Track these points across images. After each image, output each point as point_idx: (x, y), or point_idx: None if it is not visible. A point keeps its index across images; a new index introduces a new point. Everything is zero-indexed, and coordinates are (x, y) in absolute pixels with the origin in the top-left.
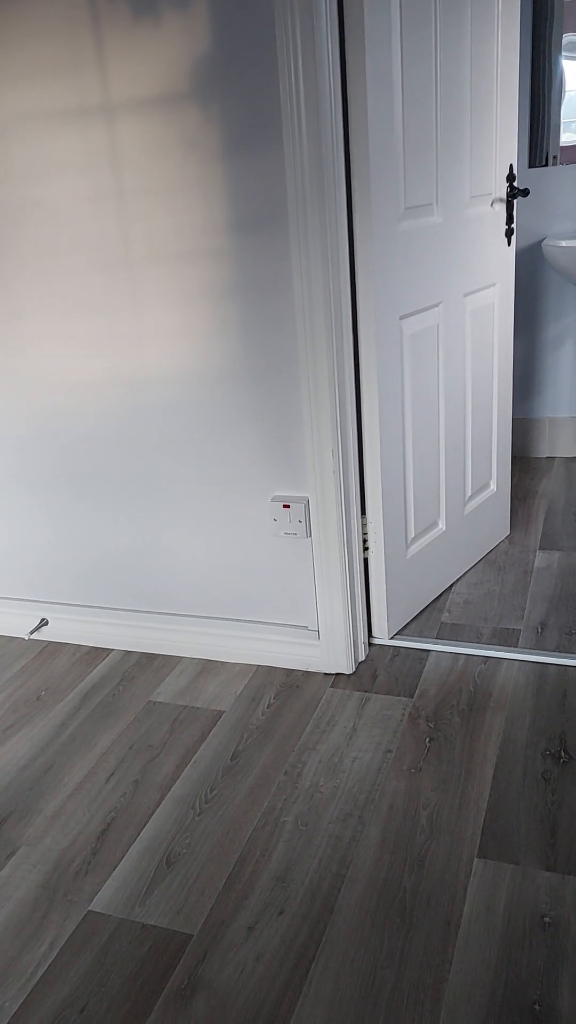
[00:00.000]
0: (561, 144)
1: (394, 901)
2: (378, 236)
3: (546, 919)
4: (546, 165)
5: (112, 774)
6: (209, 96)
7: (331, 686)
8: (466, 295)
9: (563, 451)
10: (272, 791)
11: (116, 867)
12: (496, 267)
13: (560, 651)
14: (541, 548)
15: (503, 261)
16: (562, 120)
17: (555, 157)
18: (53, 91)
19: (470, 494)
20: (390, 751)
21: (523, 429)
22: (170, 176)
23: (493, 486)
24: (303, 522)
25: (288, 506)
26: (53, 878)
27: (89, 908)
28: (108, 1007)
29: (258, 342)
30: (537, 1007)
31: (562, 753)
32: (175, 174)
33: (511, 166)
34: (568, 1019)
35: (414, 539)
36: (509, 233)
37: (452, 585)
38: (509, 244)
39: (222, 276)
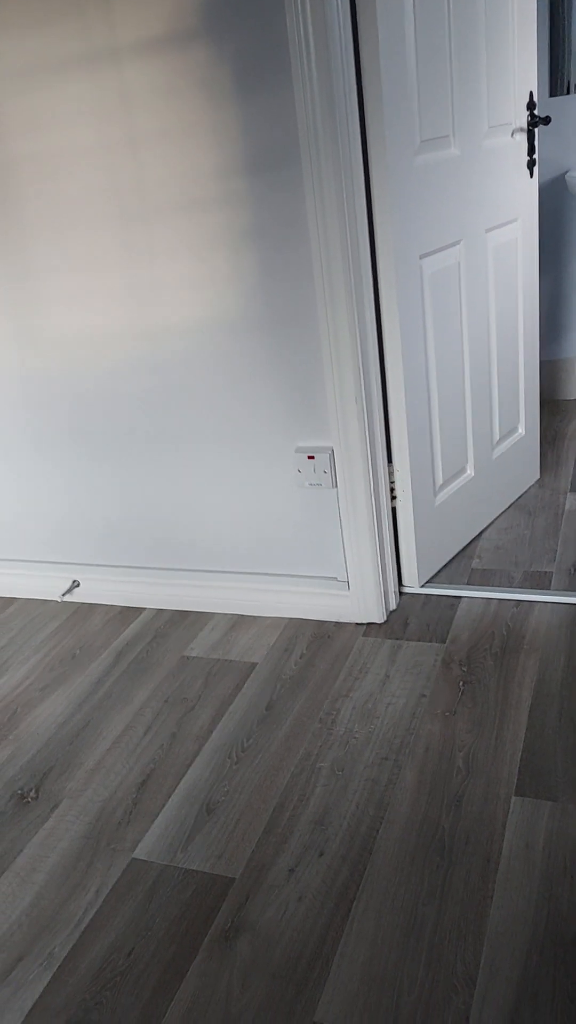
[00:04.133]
0: None
1: (432, 840)
2: (394, 172)
3: None
4: (568, 93)
5: (149, 728)
6: (216, 33)
7: (363, 635)
8: (488, 231)
9: None
10: (307, 738)
11: (157, 816)
12: (518, 201)
13: None
14: (572, 490)
15: (525, 194)
16: None
17: None
18: (56, 37)
19: (498, 438)
20: (424, 696)
21: (552, 371)
22: (182, 119)
23: (521, 430)
24: (328, 473)
25: (312, 457)
26: (96, 828)
27: (132, 856)
28: (154, 951)
29: (276, 287)
30: None
31: None
32: (187, 116)
33: (531, 93)
34: None
35: (442, 486)
36: (531, 164)
37: (482, 531)
38: (531, 176)
39: (238, 221)
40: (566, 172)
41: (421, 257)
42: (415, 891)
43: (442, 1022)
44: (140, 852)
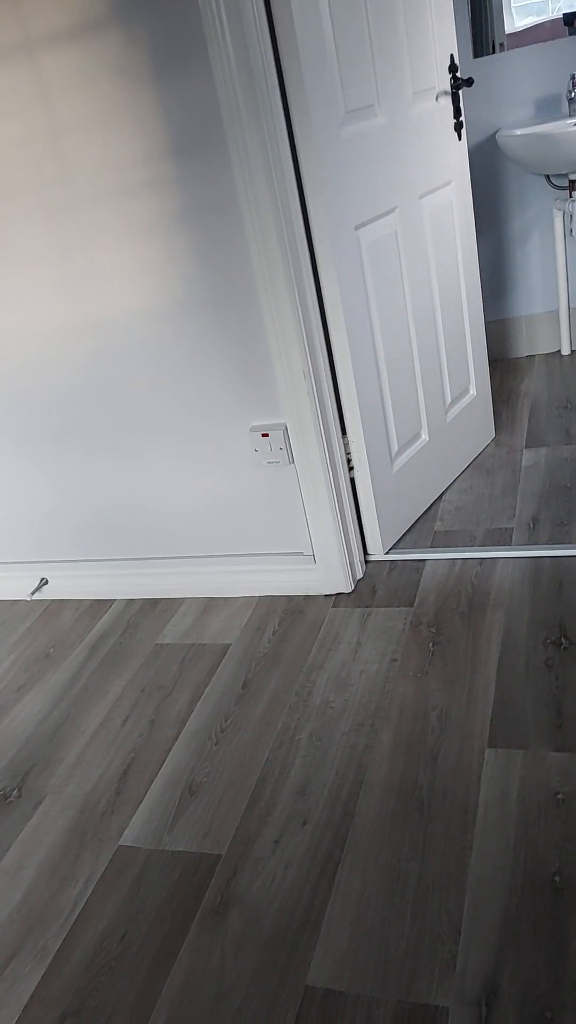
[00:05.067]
0: (508, 31)
1: (411, 799)
2: (321, 144)
3: (559, 796)
4: (493, 53)
5: (127, 717)
6: (127, 18)
7: (332, 606)
8: (422, 197)
9: (542, 347)
10: (285, 712)
11: (141, 802)
12: (450, 164)
13: (553, 543)
14: (528, 446)
15: (456, 157)
16: (512, 5)
17: (501, 44)
18: None
19: (450, 401)
20: (395, 659)
21: (500, 331)
22: (101, 107)
23: (473, 390)
24: (284, 449)
25: (267, 435)
26: (81, 821)
27: (119, 844)
28: (147, 932)
29: (215, 269)
30: (557, 878)
31: (562, 639)
32: (107, 105)
33: (452, 56)
34: None
35: (398, 453)
36: (459, 127)
37: (442, 494)
38: (460, 139)
39: (169, 205)
40: (496, 132)
41: (357, 228)
42: (397, 849)
43: (430, 971)
44: (126, 839)
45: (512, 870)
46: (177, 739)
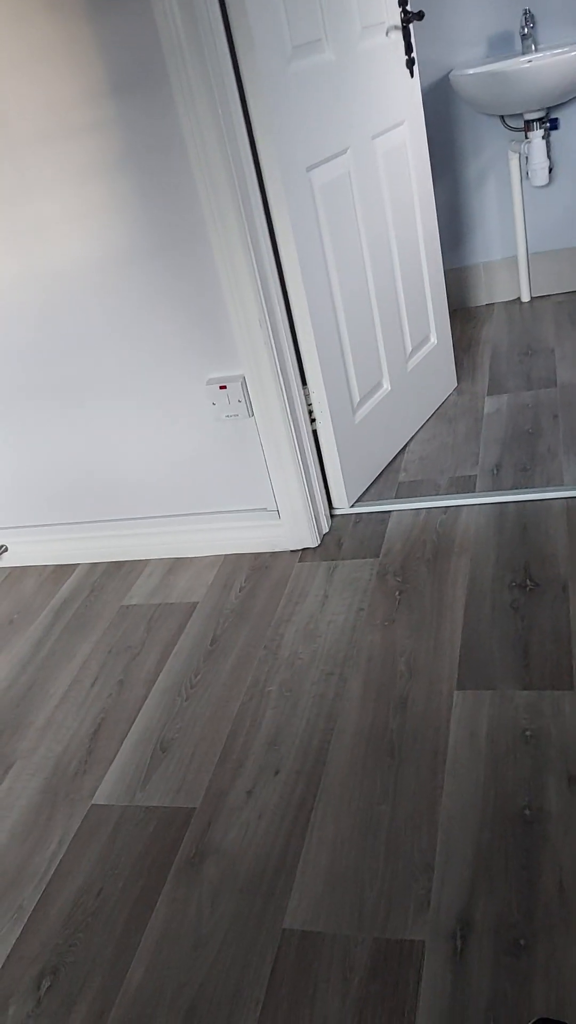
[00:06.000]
0: None
1: (382, 743)
2: (268, 81)
3: (527, 732)
4: None
5: (96, 679)
6: None
7: (299, 561)
8: (375, 137)
9: (501, 295)
10: (254, 666)
11: (112, 761)
12: (402, 103)
13: (516, 488)
14: (489, 393)
15: (409, 96)
16: None
17: None
18: None
19: (411, 350)
20: (362, 609)
21: (459, 279)
22: (34, 46)
23: (434, 338)
24: (243, 401)
25: (224, 387)
26: (53, 782)
27: (92, 803)
28: (123, 886)
29: (163, 213)
30: (527, 812)
31: (527, 581)
32: (39, 42)
33: None
34: (556, 816)
35: (360, 403)
36: (410, 64)
37: (406, 444)
38: (412, 76)
39: (111, 147)
40: (449, 72)
41: (308, 169)
42: (369, 793)
43: (405, 908)
44: (99, 798)
45: (483, 807)
46: (147, 698)
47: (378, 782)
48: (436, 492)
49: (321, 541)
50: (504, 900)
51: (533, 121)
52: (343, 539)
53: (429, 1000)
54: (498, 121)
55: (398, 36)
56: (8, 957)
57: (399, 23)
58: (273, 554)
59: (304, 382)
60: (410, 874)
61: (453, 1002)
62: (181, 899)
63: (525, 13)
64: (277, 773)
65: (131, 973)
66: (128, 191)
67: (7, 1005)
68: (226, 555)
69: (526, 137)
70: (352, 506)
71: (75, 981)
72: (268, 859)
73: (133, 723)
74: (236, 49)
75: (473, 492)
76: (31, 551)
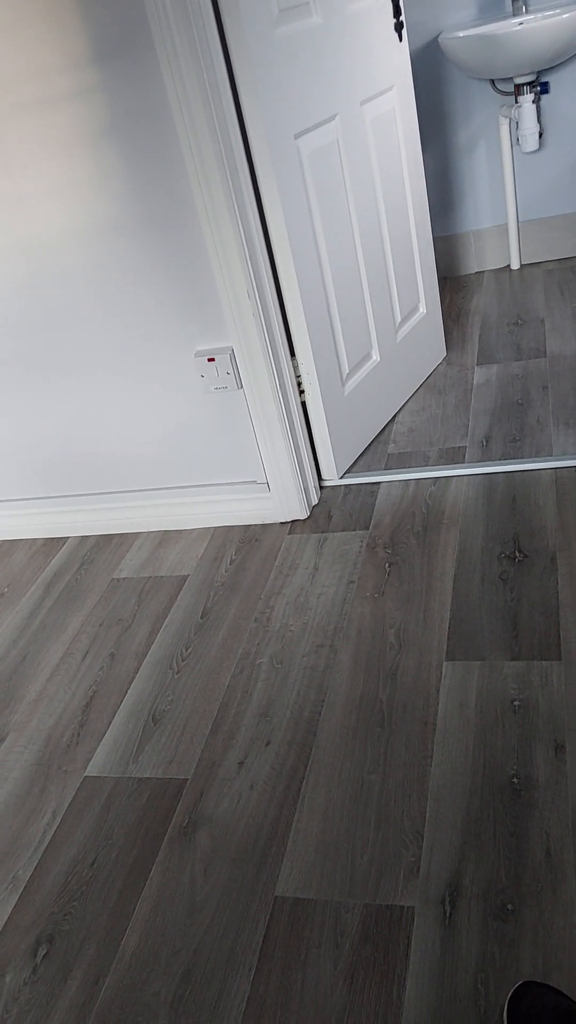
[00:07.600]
0: None
1: (372, 714)
2: (254, 45)
3: (515, 703)
4: None
5: (87, 652)
6: None
7: (289, 533)
8: (363, 103)
9: (491, 263)
10: (245, 638)
11: (105, 733)
12: (391, 68)
13: (506, 459)
14: (479, 364)
15: (398, 60)
16: None
17: None
18: None
19: (400, 320)
20: (352, 581)
21: (448, 247)
22: (13, 10)
23: (423, 308)
24: (231, 374)
25: (213, 359)
26: (46, 754)
27: (85, 775)
28: (117, 856)
29: (149, 182)
30: (515, 780)
31: (516, 553)
32: (19, 7)
33: None
34: (543, 785)
35: (349, 374)
36: (399, 27)
37: (395, 415)
38: (401, 40)
39: (95, 116)
40: (438, 35)
41: (296, 136)
42: (360, 762)
43: (395, 875)
44: (92, 770)
45: (472, 775)
46: (138, 670)
47: (369, 752)
48: (425, 463)
49: (311, 513)
50: (492, 866)
51: (523, 85)
52: (332, 511)
53: (419, 964)
54: (488, 86)
55: None
56: (4, 926)
57: None
58: (263, 526)
59: (293, 353)
60: (400, 841)
61: (442, 965)
62: (175, 868)
63: None
64: (269, 744)
65: (126, 940)
66: (113, 161)
67: (4, 973)
68: (216, 528)
69: (516, 101)
70: (341, 478)
71: (71, 949)
72: (260, 828)
73: (125, 696)
74: (221, 12)
75: (463, 463)
76: (21, 524)
